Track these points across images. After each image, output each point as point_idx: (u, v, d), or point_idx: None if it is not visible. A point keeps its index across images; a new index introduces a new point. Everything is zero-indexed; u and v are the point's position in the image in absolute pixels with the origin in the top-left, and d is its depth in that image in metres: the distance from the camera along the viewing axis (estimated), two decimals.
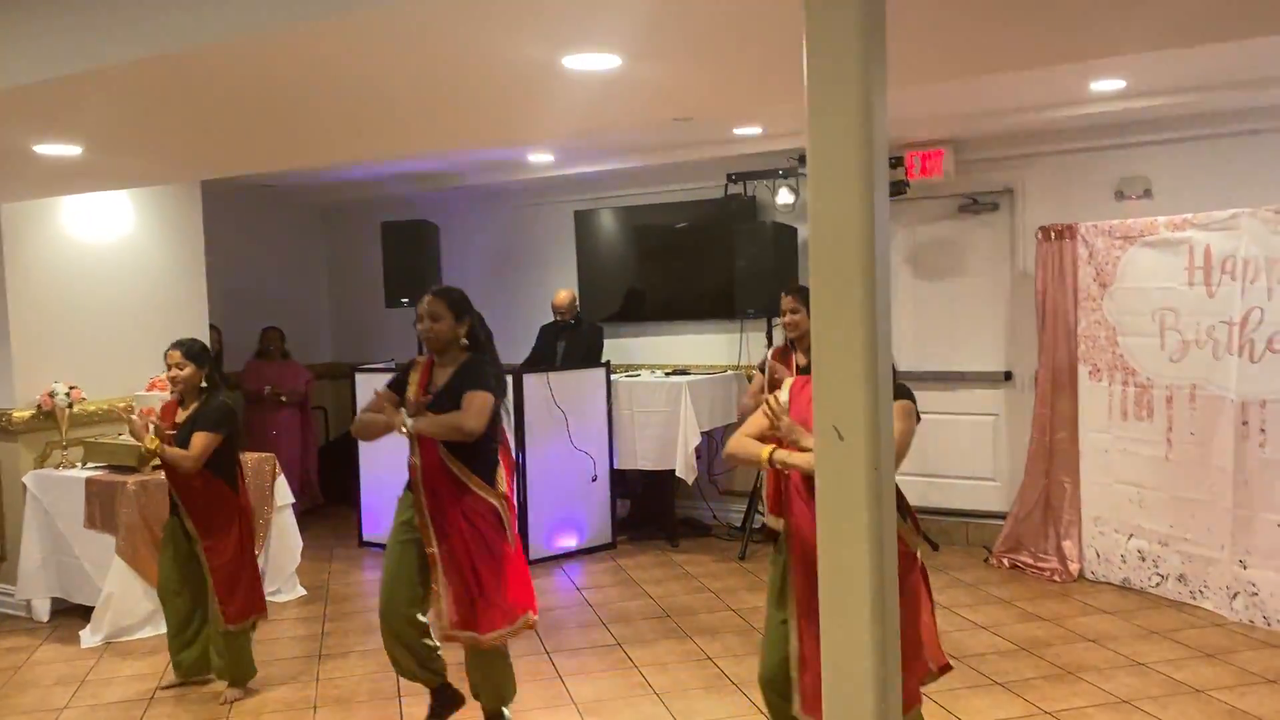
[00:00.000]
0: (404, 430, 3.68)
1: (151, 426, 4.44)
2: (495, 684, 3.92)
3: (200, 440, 4.34)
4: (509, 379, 5.08)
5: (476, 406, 3.64)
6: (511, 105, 3.77)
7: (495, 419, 3.78)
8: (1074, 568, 5.91)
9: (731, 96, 3.65)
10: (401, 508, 3.89)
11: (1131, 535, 5.68)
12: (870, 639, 2.10)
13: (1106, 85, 5.22)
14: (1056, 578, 5.90)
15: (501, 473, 3.87)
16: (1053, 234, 5.99)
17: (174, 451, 4.36)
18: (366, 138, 4.55)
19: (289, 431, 7.95)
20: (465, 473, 3.73)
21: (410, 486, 3.83)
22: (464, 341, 3.81)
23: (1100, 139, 6.11)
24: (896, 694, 2.10)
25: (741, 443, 3.22)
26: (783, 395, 3.22)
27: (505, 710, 3.98)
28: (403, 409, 3.73)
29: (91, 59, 2.84)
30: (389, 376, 4.06)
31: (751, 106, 4.31)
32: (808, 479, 2.97)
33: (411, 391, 3.83)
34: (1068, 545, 5.96)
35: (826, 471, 2.19)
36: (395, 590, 3.85)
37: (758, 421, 3.20)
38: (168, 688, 4.71)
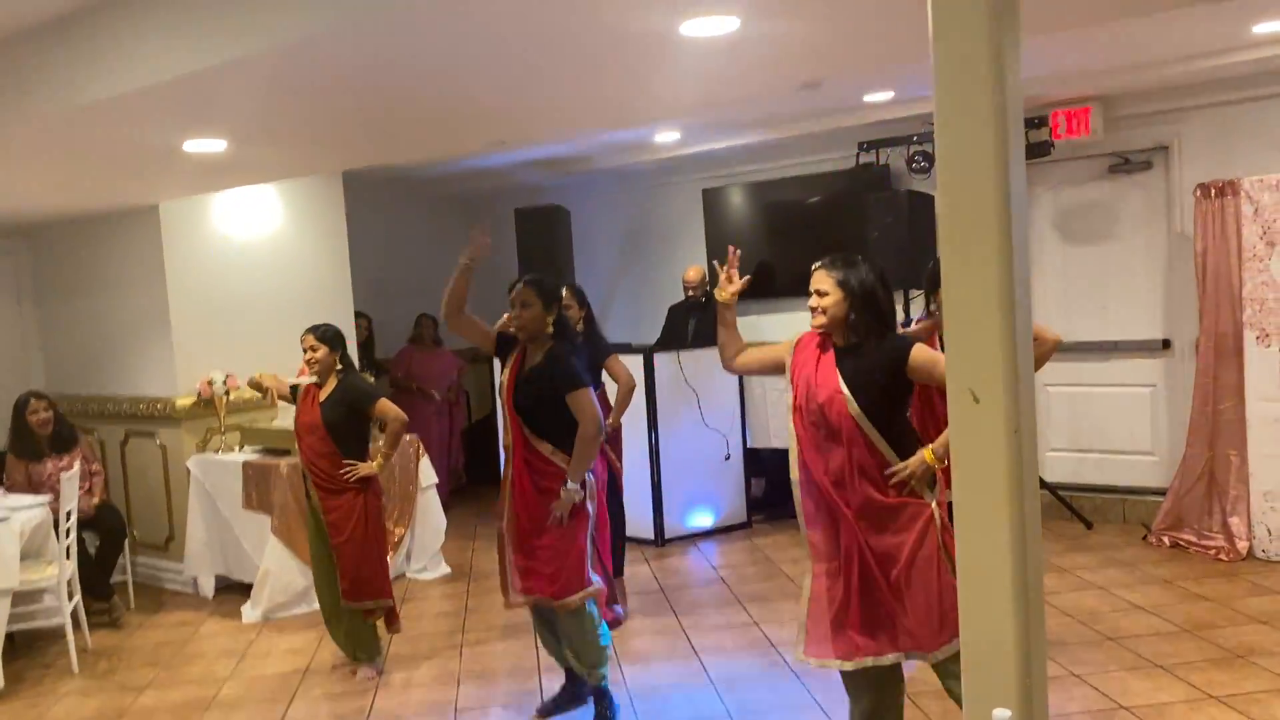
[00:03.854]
0: (573, 497, 3.81)
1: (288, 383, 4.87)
2: (578, 650, 3.98)
3: (385, 405, 4.62)
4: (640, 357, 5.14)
5: (584, 407, 3.80)
6: (632, 82, 3.74)
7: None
8: (1242, 546, 5.54)
9: (858, 53, 3.52)
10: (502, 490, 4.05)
11: None
12: (1013, 615, 1.99)
13: (1270, 27, 4.83)
14: (1223, 556, 5.55)
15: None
16: (1213, 191, 5.61)
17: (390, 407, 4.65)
18: (492, 124, 4.61)
19: (437, 419, 8.09)
20: (552, 450, 3.85)
21: (505, 465, 4.00)
22: (549, 329, 3.91)
23: (1265, 87, 5.68)
24: (1042, 670, 1.99)
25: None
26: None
27: (601, 679, 4.00)
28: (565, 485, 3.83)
29: (230, 51, 2.95)
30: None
31: (880, 66, 4.14)
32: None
33: (504, 380, 3.95)
34: (1235, 522, 5.59)
35: (962, 438, 2.08)
36: None
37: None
38: (339, 666, 4.84)
